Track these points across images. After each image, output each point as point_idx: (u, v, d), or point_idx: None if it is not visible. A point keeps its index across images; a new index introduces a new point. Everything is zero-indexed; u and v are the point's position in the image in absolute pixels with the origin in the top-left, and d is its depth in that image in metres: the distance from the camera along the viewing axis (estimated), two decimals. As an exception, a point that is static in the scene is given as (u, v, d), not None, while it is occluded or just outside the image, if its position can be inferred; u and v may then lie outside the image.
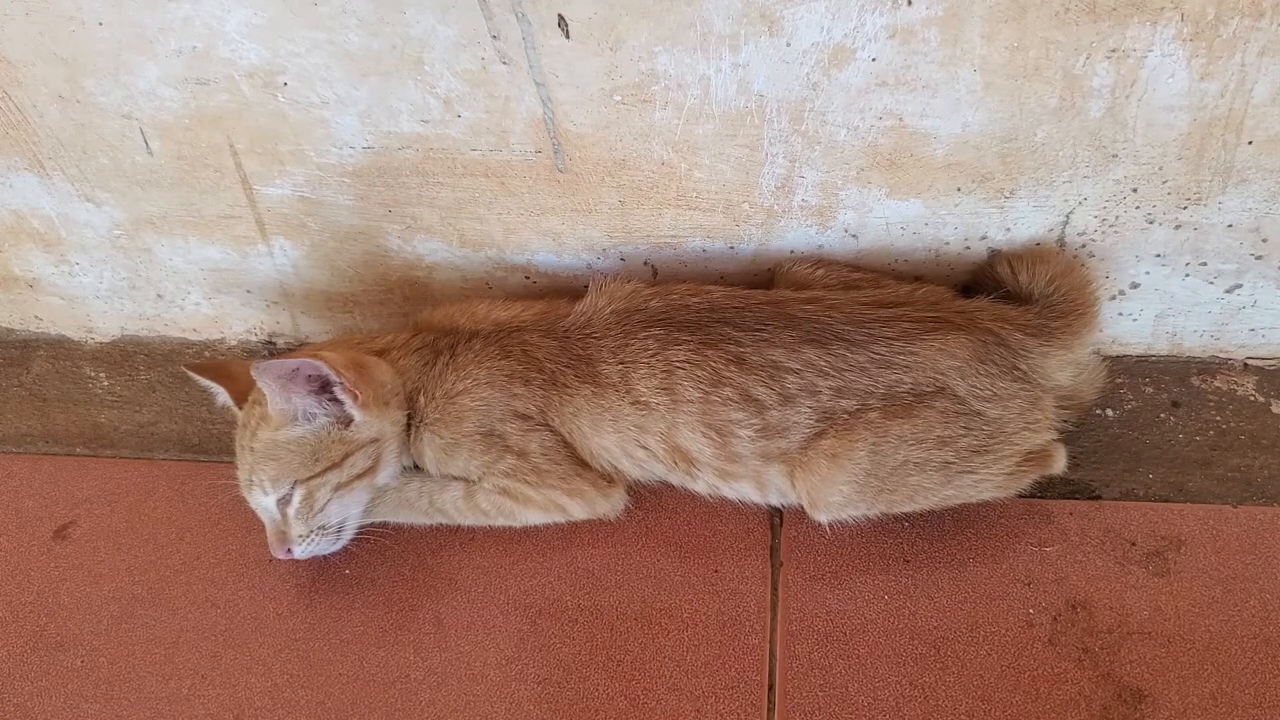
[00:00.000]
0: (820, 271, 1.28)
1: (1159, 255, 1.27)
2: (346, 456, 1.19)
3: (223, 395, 1.27)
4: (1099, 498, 1.26)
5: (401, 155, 1.26)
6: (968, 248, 1.29)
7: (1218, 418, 1.33)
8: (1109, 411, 1.35)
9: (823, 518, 1.19)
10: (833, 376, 1.14)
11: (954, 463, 1.14)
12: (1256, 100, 1.09)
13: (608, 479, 1.25)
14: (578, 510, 1.25)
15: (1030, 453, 1.17)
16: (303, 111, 1.22)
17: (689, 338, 1.17)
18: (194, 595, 1.27)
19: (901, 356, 1.14)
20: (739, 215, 1.28)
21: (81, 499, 1.40)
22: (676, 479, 1.25)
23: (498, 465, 1.23)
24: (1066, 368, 1.20)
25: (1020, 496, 1.22)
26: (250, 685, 1.18)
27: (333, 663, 1.20)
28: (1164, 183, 1.18)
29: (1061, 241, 1.27)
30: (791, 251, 1.32)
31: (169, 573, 1.30)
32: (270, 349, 1.57)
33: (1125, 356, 1.39)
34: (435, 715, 1.14)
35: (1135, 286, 1.31)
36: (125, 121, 1.27)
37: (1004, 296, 1.23)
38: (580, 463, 1.24)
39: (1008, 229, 1.26)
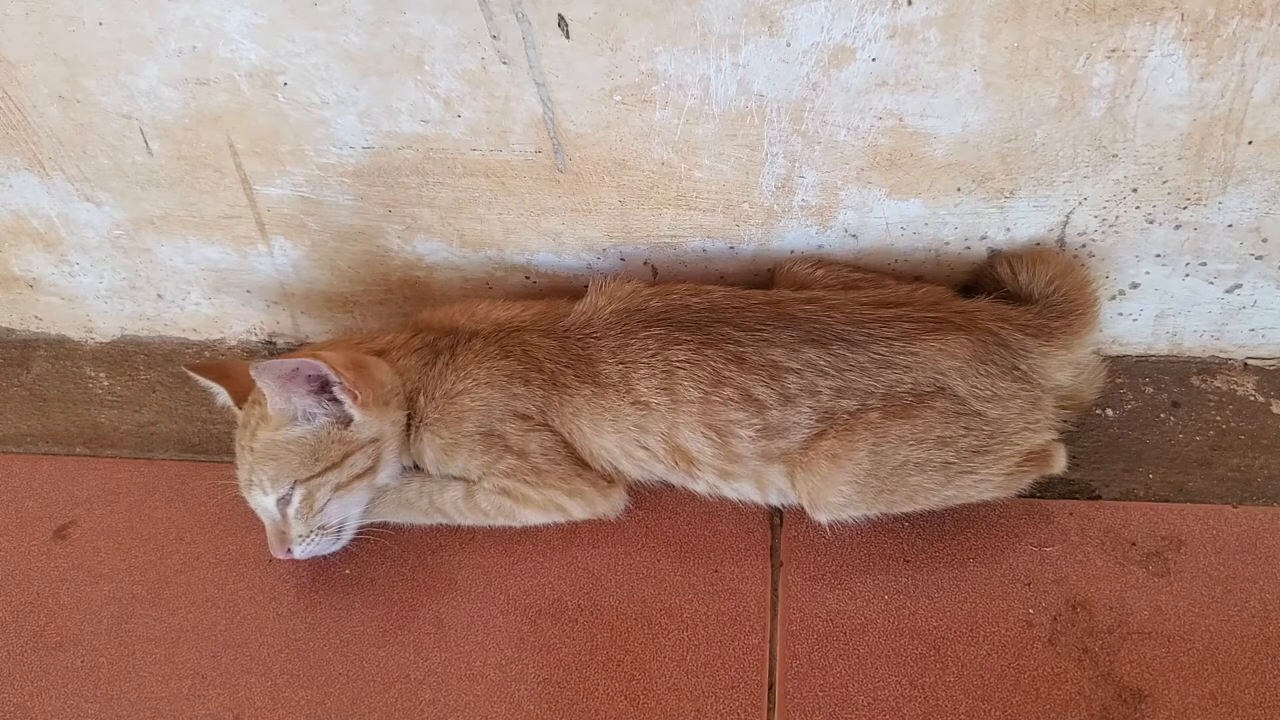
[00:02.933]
0: (820, 271, 1.28)
1: (1159, 255, 1.27)
2: (346, 456, 1.19)
3: (223, 395, 1.27)
4: (1099, 498, 1.26)
5: (401, 155, 1.26)
6: (968, 248, 1.29)
7: (1218, 418, 1.33)
8: (1109, 411, 1.35)
9: (823, 518, 1.19)
10: (833, 376, 1.14)
11: (954, 463, 1.14)
12: (1256, 100, 1.09)
13: (608, 479, 1.25)
14: (577, 510, 1.25)
15: (1030, 453, 1.17)
16: (303, 111, 1.22)
17: (689, 338, 1.17)
18: (194, 595, 1.27)
19: (902, 356, 1.14)
20: (739, 215, 1.28)
21: (81, 499, 1.40)
22: (677, 479, 1.25)
23: (497, 465, 1.23)
24: (1066, 368, 1.20)
25: (1020, 496, 1.22)
26: (250, 685, 1.18)
27: (333, 663, 1.20)
28: (1164, 183, 1.18)
29: (1061, 241, 1.27)
30: (791, 251, 1.32)
31: (169, 573, 1.30)
32: (270, 349, 1.57)
33: (1125, 356, 1.39)
34: (435, 715, 1.14)
35: (1135, 286, 1.31)
36: (125, 121, 1.27)
37: (1004, 296, 1.23)
38: (580, 463, 1.24)
39: (1008, 229, 1.26)
